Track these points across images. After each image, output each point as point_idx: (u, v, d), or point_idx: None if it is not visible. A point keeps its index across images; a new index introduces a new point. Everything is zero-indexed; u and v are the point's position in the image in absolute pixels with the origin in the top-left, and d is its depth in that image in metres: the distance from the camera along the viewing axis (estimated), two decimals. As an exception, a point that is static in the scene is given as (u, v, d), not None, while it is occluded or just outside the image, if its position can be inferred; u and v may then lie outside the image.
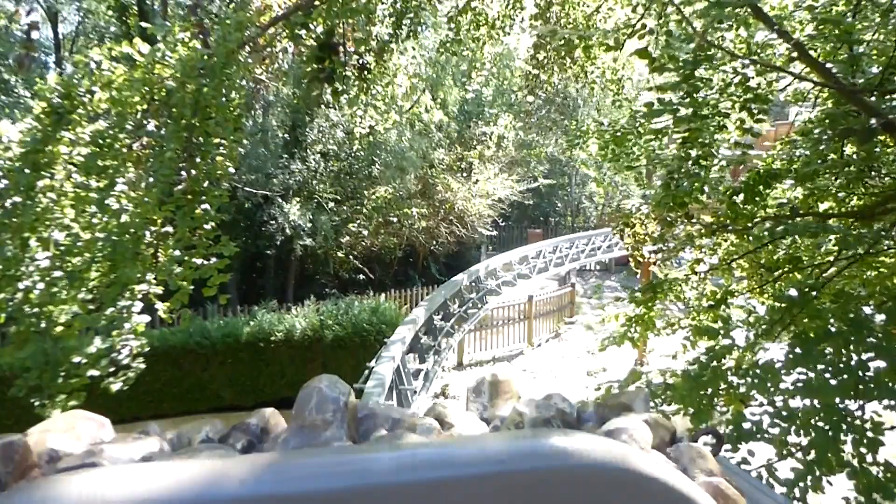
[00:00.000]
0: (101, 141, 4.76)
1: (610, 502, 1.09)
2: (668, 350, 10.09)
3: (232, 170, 5.41)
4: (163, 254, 5.03)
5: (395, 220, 16.57)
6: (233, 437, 1.44)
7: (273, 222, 13.80)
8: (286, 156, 14.23)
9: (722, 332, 6.23)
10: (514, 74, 22.18)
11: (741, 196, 6.73)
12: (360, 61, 8.59)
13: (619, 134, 8.15)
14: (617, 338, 8.14)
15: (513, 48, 10.09)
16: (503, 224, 20.83)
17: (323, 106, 14.76)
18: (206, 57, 4.71)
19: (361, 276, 17.17)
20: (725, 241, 7.68)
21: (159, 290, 5.15)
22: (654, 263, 8.93)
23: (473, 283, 10.75)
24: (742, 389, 5.54)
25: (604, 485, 1.09)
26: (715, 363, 5.60)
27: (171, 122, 4.84)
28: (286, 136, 14.88)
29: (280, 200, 13.52)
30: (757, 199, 6.71)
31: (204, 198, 4.94)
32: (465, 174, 18.98)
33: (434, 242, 18.18)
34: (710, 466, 1.43)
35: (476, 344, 14.51)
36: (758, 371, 5.51)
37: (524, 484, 1.03)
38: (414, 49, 9.74)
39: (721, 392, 5.57)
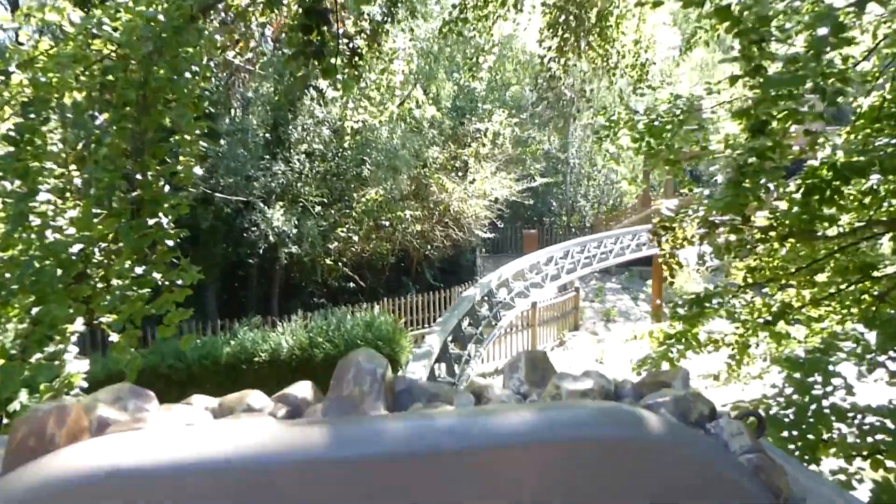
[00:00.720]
0: (16, 136, 3.57)
1: (641, 472, 1.09)
2: (697, 368, 9.03)
3: (198, 171, 4.22)
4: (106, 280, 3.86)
5: (386, 223, 15.39)
6: (274, 407, 1.46)
7: (255, 229, 12.57)
8: (267, 157, 13.00)
9: (807, 360, 5.13)
10: (513, 65, 21.17)
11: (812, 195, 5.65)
12: (351, 45, 7.43)
13: (656, 124, 7.06)
14: (655, 359, 7.08)
15: (522, 30, 9.08)
16: (500, 226, 19.65)
17: (308, 101, 13.56)
18: (153, 22, 3.53)
19: (352, 284, 15.99)
20: (784, 246, 6.59)
21: (112, 317, 4.00)
22: (697, 271, 7.91)
23: (486, 298, 9.51)
24: (852, 439, 4.44)
25: (634, 455, 1.09)
26: (814, 405, 4.50)
27: (111, 110, 3.66)
28: (267, 135, 13.66)
29: (262, 205, 12.30)
30: (835, 197, 5.61)
31: (158, 208, 3.76)
32: (460, 173, 17.84)
33: (429, 247, 17.02)
34: (751, 443, 1.42)
35: (477, 355, 13.41)
36: (873, 420, 4.42)
37: (555, 454, 1.06)
38: (412, 30, 8.58)
39: (825, 441, 4.47)
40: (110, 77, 3.72)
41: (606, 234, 17.10)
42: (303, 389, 1.53)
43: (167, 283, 3.82)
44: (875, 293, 6.72)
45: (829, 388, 4.39)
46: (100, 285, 3.94)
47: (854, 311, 7.05)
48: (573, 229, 29.60)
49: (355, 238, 14.85)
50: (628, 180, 8.69)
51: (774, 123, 5.58)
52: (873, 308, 6.68)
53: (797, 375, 4.89)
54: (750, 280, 7.10)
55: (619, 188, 32.15)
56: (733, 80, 4.98)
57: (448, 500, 1.04)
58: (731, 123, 6.67)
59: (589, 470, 1.08)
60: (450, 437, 1.04)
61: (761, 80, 5.20)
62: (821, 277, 7.13)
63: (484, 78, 21.14)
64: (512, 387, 1.74)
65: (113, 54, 3.65)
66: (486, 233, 18.67)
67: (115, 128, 3.55)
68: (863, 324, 5.70)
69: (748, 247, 6.34)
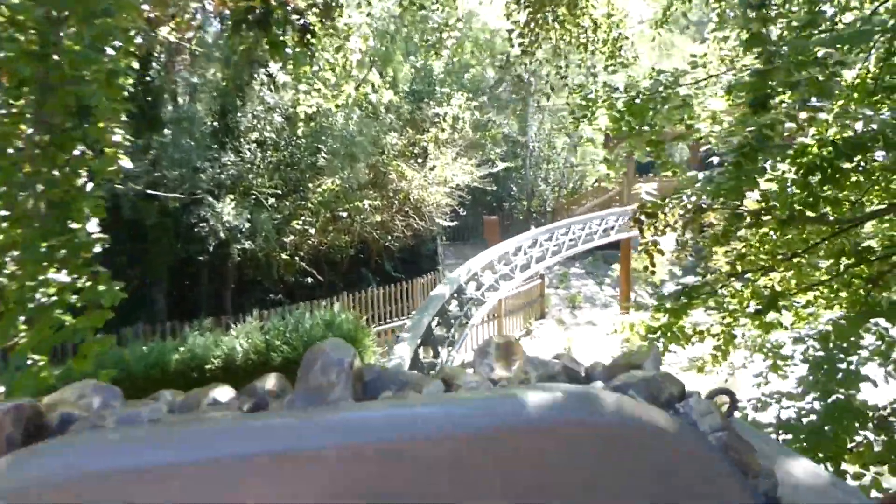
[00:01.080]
0: None
1: (609, 454, 1.11)
2: (680, 359, 8.61)
3: (126, 164, 3.53)
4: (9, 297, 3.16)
5: (344, 214, 14.67)
6: (240, 401, 1.40)
7: (204, 224, 11.75)
8: (216, 147, 12.16)
9: (827, 357, 4.69)
10: (473, 45, 20.55)
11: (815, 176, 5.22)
12: (302, 21, 6.73)
13: (637, 102, 6.55)
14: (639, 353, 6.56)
15: (487, 2, 8.50)
16: (462, 213, 19.07)
17: (258, 86, 12.74)
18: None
19: (309, 280, 15.25)
20: (775, 232, 6.16)
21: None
22: (677, 258, 7.45)
23: (456, 296, 8.87)
24: (878, 448, 4.01)
25: (601, 437, 1.11)
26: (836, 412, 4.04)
27: (2, 91, 2.96)
28: (215, 123, 12.79)
29: (210, 199, 11.48)
30: (837, 176, 5.18)
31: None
32: (419, 160, 17.18)
33: (389, 237, 16.36)
34: (721, 422, 1.39)
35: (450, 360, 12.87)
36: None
37: (522, 441, 1.05)
38: (369, 3, 7.90)
39: (850, 450, 4.02)
40: None
41: (574, 220, 16.67)
42: (270, 382, 1.46)
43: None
44: (866, 276, 6.31)
45: (852, 391, 3.97)
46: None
47: (843, 295, 6.69)
48: (534, 214, 29.23)
49: (311, 231, 14.11)
50: (608, 164, 7.94)
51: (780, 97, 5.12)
52: (865, 293, 6.29)
53: (812, 377, 4.47)
54: (739, 268, 6.68)
55: (580, 171, 31.89)
56: (750, 42, 4.50)
57: (412, 493, 1.00)
58: (716, 101, 6.22)
59: (557, 455, 1.08)
60: (412, 426, 1.04)
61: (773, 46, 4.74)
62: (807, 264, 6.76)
63: (443, 59, 20.50)
64: (482, 372, 1.64)
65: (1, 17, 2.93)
66: (447, 221, 18.07)
67: (7, 112, 2.84)
68: (863, 309, 5.32)
69: (736, 232, 5.90)
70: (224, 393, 1.43)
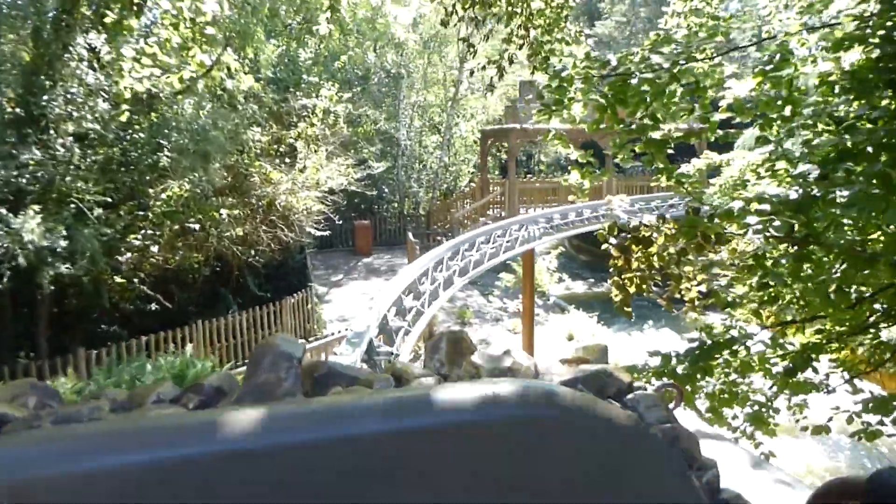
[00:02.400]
0: None
1: (557, 447, 1.12)
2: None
3: None
4: None
5: (196, 227, 11.92)
6: (185, 398, 1.42)
7: (-1, 244, 8.68)
8: (14, 140, 9.06)
9: None
10: (345, 28, 18.15)
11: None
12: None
13: (633, 82, 4.66)
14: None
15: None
16: (336, 220, 16.66)
17: (74, 63, 9.76)
18: None
19: (154, 306, 12.32)
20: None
21: None
22: (695, 306, 5.73)
23: (369, 354, 6.41)
24: None
25: (549, 430, 1.12)
26: None
27: None
28: (16, 110, 9.67)
29: (4, 212, 8.43)
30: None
31: None
32: (286, 160, 14.67)
33: (252, 252, 13.73)
34: (666, 414, 1.51)
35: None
36: None
37: (469, 436, 1.06)
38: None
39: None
40: None
41: (494, 227, 14.87)
42: (218, 378, 1.49)
43: None
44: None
45: None
46: None
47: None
48: (408, 217, 27.29)
49: (154, 248, 11.25)
50: (584, 172, 5.53)
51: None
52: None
53: None
54: (772, 319, 5.05)
55: (454, 171, 30.34)
56: None
57: (356, 489, 0.98)
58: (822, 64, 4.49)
59: (505, 449, 1.07)
60: (355, 423, 1.01)
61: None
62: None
63: (312, 43, 18.03)
64: (433, 367, 1.76)
65: None
66: (320, 229, 15.67)
67: None
68: None
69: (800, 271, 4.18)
70: (169, 390, 1.45)
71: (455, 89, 26.98)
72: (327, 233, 15.78)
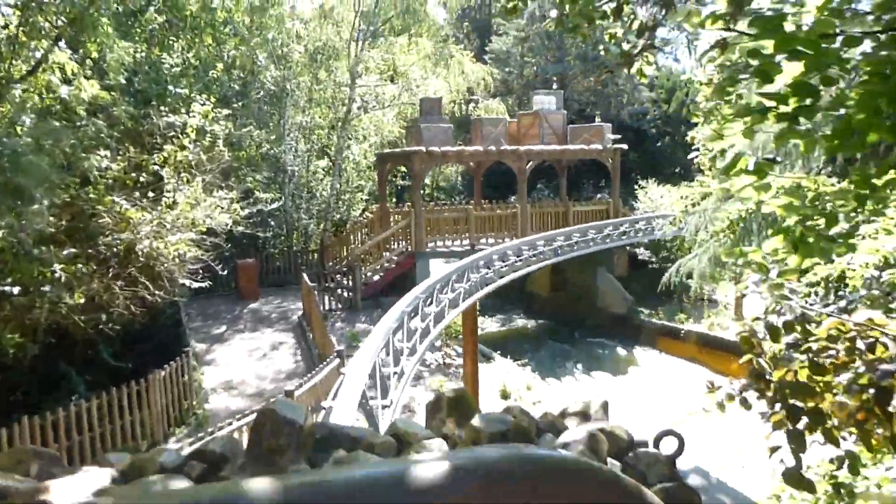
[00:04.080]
0: None
1: None
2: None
3: None
4: None
5: (14, 291, 8.34)
6: (188, 467, 1.40)
7: None
8: None
9: None
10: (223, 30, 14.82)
11: None
12: None
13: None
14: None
15: None
16: (218, 266, 13.21)
17: None
18: None
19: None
20: None
21: None
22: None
23: None
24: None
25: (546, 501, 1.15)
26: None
27: None
28: None
29: None
30: None
31: None
32: (150, 193, 11.23)
33: (104, 316, 10.19)
34: (667, 471, 1.58)
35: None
36: None
37: None
38: None
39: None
40: None
41: (471, 262, 12.08)
42: (221, 444, 1.47)
43: None
44: None
45: None
46: None
47: None
48: (298, 253, 23.94)
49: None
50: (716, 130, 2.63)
51: None
52: None
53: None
54: None
55: (347, 199, 27.29)
56: None
57: None
58: None
59: None
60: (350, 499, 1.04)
61: None
62: None
63: (181, 45, 14.66)
64: (434, 428, 1.79)
65: None
66: (198, 280, 12.27)
67: None
68: None
69: None
70: (171, 458, 1.45)
71: (346, 108, 24.09)
72: (206, 284, 12.35)
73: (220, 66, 14.78)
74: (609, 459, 1.75)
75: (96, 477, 1.23)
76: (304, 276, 18.69)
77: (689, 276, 11.77)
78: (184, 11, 14.71)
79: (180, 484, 1.26)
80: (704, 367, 19.11)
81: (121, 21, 13.68)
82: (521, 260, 16.41)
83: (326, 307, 19.40)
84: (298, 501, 1.02)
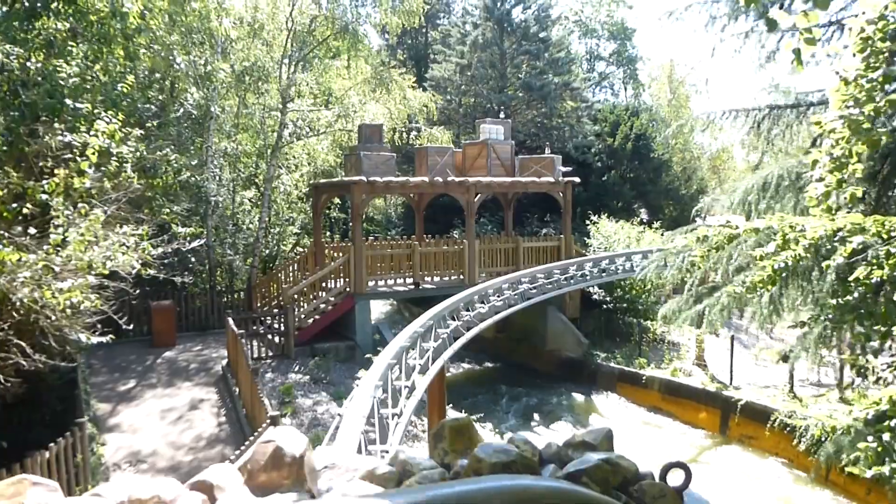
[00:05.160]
0: None
1: None
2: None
3: None
4: None
5: None
6: (183, 498, 1.36)
7: None
8: None
9: None
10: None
11: None
12: None
13: None
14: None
15: None
16: (120, 319, 10.83)
17: None
18: None
19: None
20: None
21: None
22: None
23: None
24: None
25: None
26: None
27: None
28: None
29: None
30: None
31: None
32: (32, 230, 8.93)
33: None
34: None
35: None
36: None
37: None
38: None
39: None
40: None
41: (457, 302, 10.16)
42: (219, 476, 1.44)
43: None
44: None
45: None
46: None
47: None
48: (222, 294, 21.48)
49: None
50: None
51: None
52: None
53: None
54: None
55: (277, 234, 25.01)
56: None
57: None
58: None
59: None
60: None
61: None
62: None
63: (77, 56, 12.43)
64: (436, 457, 1.78)
65: None
66: (97, 334, 9.96)
67: None
68: None
69: None
70: (170, 490, 1.39)
71: (277, 134, 22.02)
72: (107, 339, 10.00)
73: (130, 78, 12.55)
74: (614, 491, 1.74)
75: None
76: (229, 319, 16.38)
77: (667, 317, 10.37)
78: (88, 17, 12.56)
79: None
80: (669, 418, 17.75)
81: (11, 25, 11.42)
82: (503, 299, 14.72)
83: (255, 354, 17.12)
84: None
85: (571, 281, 19.47)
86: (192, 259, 20.36)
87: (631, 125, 29.74)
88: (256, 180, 25.21)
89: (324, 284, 19.24)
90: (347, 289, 18.99)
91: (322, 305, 18.80)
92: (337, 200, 28.95)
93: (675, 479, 2.09)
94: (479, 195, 21.54)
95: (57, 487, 1.29)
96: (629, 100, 43.76)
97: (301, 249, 24.39)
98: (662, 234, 24.53)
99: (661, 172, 30.63)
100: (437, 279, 20.57)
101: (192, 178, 19.26)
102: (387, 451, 7.01)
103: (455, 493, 1.16)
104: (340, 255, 20.32)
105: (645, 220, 27.48)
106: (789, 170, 8.53)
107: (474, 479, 1.39)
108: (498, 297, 15.92)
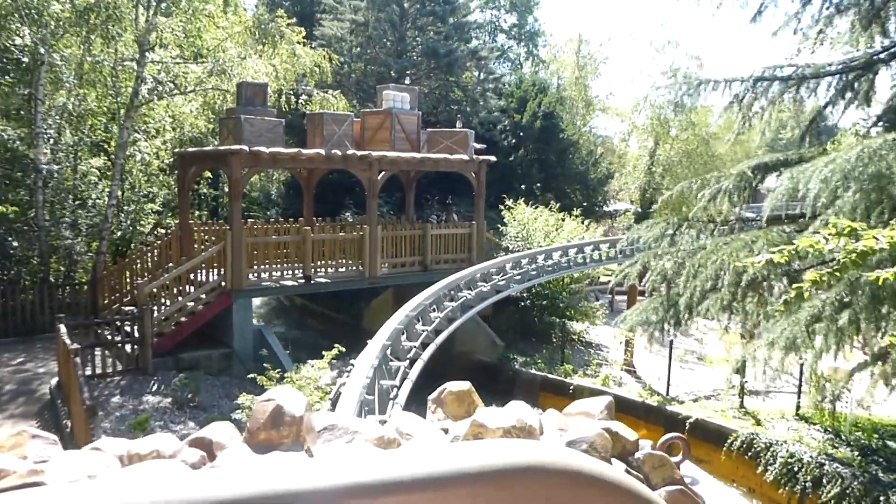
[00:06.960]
0: None
1: None
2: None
3: None
4: None
5: None
6: (183, 453, 1.35)
7: None
8: None
9: None
10: None
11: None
12: None
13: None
14: None
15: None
16: None
17: None
18: None
19: None
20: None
21: None
22: None
23: None
24: None
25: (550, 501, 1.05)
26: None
27: None
28: None
29: None
30: None
31: None
32: None
33: None
34: (672, 474, 1.49)
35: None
36: None
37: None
38: None
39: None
40: None
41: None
42: (218, 432, 1.41)
43: None
44: None
45: None
46: None
47: None
48: (58, 288, 17.03)
49: None
50: None
51: None
52: None
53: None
54: None
55: (132, 212, 20.59)
56: None
57: None
58: None
59: None
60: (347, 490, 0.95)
61: None
62: None
63: None
64: (436, 421, 1.73)
65: None
66: None
67: None
68: None
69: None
70: (168, 444, 1.42)
71: (133, 90, 17.74)
72: None
73: None
74: (613, 460, 1.73)
75: (91, 463, 1.18)
76: (61, 326, 12.39)
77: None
78: None
79: (177, 470, 1.23)
80: (603, 432, 15.55)
81: None
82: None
83: (99, 370, 13.21)
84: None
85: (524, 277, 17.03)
86: (14, 242, 15.80)
87: (539, 102, 27.48)
88: (107, 146, 20.67)
89: (192, 277, 15.41)
90: (223, 283, 15.28)
91: (190, 304, 14.98)
92: (209, 174, 24.68)
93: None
94: (382, 172, 18.36)
95: (56, 440, 1.25)
96: (531, 76, 41.71)
97: (163, 231, 20.17)
98: (584, 222, 22.48)
99: (570, 154, 28.66)
100: (331, 271, 17.26)
101: (14, 143, 14.74)
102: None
103: (455, 454, 1.01)
104: (213, 239, 16.50)
105: (554, 206, 25.34)
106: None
107: (477, 442, 1.18)
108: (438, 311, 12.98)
